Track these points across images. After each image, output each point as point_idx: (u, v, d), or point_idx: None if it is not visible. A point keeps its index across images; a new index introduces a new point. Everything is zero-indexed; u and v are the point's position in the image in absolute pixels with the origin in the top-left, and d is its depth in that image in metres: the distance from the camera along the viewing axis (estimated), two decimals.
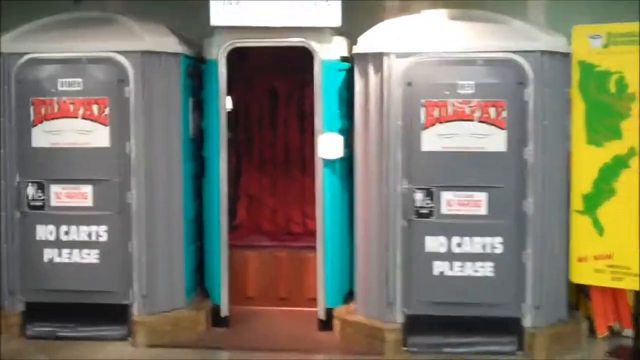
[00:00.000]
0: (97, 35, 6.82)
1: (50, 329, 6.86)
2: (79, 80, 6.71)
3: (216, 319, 7.22)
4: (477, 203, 6.52)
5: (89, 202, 6.78)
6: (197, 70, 7.27)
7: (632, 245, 6.43)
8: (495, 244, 6.51)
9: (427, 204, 6.55)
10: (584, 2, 7.83)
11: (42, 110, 6.75)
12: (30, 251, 6.85)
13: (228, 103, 7.37)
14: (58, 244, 6.79)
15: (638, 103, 6.42)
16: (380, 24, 6.95)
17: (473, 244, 6.51)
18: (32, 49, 6.76)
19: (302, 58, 6.98)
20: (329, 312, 7.11)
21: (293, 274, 7.70)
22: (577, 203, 6.70)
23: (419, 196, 6.55)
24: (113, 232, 6.74)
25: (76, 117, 6.74)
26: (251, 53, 7.52)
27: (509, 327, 6.60)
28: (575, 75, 6.62)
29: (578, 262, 6.71)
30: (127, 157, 6.73)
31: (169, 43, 6.93)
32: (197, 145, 7.34)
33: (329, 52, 6.96)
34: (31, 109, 6.76)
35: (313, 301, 7.21)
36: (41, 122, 6.78)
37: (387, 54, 6.56)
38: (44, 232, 6.82)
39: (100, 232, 6.76)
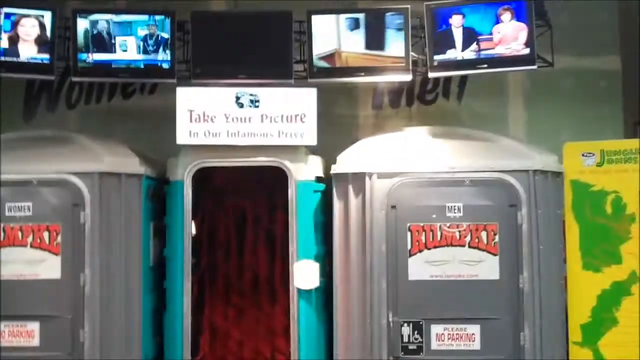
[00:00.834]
0: (51, 156, 6.53)
1: None
2: (29, 204, 6.36)
3: None
4: (470, 337, 6.18)
5: (35, 341, 6.28)
6: (159, 192, 6.99)
7: None
8: None
9: (416, 339, 6.19)
10: (563, 116, 7.90)
11: None
12: None
13: (192, 228, 7.00)
14: None
15: (638, 224, 6.18)
16: (360, 142, 6.82)
17: None
18: None
19: (271, 177, 6.79)
20: None
21: None
22: (575, 334, 6.35)
23: (406, 330, 6.19)
24: None
25: (24, 246, 6.35)
26: (216, 171, 7.20)
27: None
28: (568, 195, 6.45)
29: None
30: (81, 289, 6.30)
31: (130, 163, 6.65)
32: (158, 274, 6.95)
33: (304, 172, 6.73)
34: None
35: None
36: None
37: (369, 174, 6.36)
38: None
39: None
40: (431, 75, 6.87)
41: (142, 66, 6.88)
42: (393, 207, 6.26)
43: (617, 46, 7.90)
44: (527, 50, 6.55)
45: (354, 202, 6.42)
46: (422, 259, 6.22)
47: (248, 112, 6.65)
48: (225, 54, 6.88)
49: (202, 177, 6.96)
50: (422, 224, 6.24)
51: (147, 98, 8.08)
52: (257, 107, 6.64)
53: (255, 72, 6.82)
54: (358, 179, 6.39)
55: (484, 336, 6.15)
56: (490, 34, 6.64)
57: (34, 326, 6.28)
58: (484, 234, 6.20)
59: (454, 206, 6.23)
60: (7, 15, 6.65)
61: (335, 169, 6.60)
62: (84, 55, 6.81)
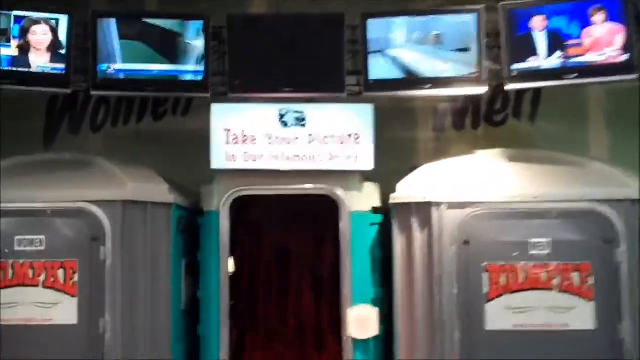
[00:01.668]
0: (67, 181, 6.24)
1: None
2: (41, 238, 6.03)
3: None
4: None
5: None
6: (192, 224, 6.76)
7: None
8: None
9: None
10: None
11: None
12: None
13: (230, 265, 6.75)
14: None
15: None
16: (423, 167, 6.50)
17: None
18: None
19: (318, 207, 6.57)
20: None
21: None
22: None
23: None
24: None
25: (36, 286, 6.03)
26: (256, 200, 6.91)
27: None
28: None
29: None
30: (101, 337, 5.97)
31: (158, 191, 6.41)
32: (190, 319, 6.69)
33: (359, 201, 6.49)
34: None
35: None
36: None
37: (437, 204, 6.01)
38: None
39: None
40: (509, 87, 6.49)
41: (170, 78, 6.58)
42: (466, 242, 5.92)
43: None
44: (625, 57, 6.05)
45: (418, 236, 6.13)
46: (502, 305, 5.83)
47: (293, 132, 6.46)
48: (266, 64, 6.58)
49: (240, 207, 6.75)
50: (501, 263, 5.86)
51: (180, 120, 7.82)
52: (304, 126, 6.45)
53: (301, 85, 6.51)
54: (423, 210, 6.08)
55: None
56: (580, 38, 6.20)
57: None
58: (575, 275, 5.80)
59: (539, 242, 5.84)
60: (17, 20, 6.36)
61: (395, 198, 6.34)
62: (104, 66, 6.52)
